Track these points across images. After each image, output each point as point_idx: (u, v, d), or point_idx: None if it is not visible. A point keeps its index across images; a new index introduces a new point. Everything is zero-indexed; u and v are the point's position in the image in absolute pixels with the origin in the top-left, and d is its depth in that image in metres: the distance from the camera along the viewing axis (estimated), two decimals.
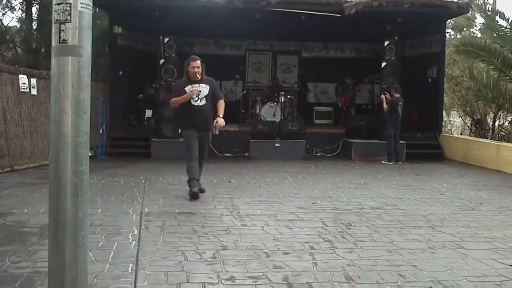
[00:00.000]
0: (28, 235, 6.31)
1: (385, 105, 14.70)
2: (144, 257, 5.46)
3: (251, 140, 15.20)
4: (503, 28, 15.80)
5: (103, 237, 6.19)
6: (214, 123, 8.74)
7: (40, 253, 5.41)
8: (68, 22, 3.46)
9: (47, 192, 3.70)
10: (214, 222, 7.16)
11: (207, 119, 8.86)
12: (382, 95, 14.90)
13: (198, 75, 8.75)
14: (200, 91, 8.75)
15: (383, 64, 15.72)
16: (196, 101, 8.76)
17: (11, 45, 21.85)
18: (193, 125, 8.81)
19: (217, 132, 8.84)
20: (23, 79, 12.20)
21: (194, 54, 19.24)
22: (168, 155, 14.31)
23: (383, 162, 14.52)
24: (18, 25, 22.67)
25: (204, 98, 8.79)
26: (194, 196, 8.71)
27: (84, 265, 3.64)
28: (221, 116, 8.78)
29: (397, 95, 14.70)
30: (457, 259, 5.62)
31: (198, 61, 8.87)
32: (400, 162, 14.52)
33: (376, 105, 17.64)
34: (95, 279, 4.76)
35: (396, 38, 15.68)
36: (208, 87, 8.85)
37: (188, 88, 8.75)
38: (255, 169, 12.69)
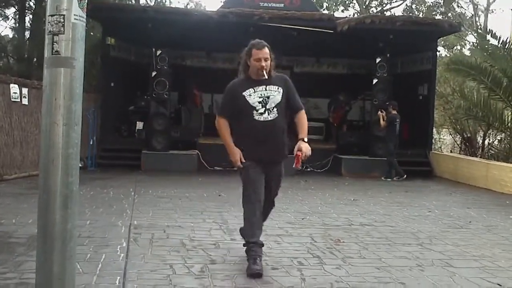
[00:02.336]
0: (16, 246, 6.27)
1: (382, 122, 14.77)
2: (132, 270, 5.44)
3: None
4: (494, 47, 15.90)
5: (91, 249, 6.16)
6: (296, 151, 5.66)
7: (28, 264, 5.37)
8: (61, 34, 3.47)
9: (36, 202, 3.69)
10: (203, 236, 7.15)
11: (279, 141, 5.74)
12: (379, 112, 14.95)
13: (265, 72, 5.63)
14: (268, 97, 5.63)
15: (375, 81, 15.76)
16: (262, 112, 5.58)
17: (3, 54, 21.80)
18: (257, 153, 5.62)
19: (298, 167, 5.83)
20: (14, 88, 12.17)
21: (185, 65, 19.61)
22: (158, 167, 14.34)
23: (383, 178, 14.60)
24: (11, 34, 22.68)
25: (275, 109, 5.62)
26: (254, 275, 5.35)
27: (71, 277, 3.63)
28: (305, 139, 5.73)
29: (395, 112, 14.78)
30: (445, 277, 5.62)
31: (267, 49, 5.67)
32: (389, 179, 14.55)
33: (368, 121, 17.68)
34: None
35: (388, 55, 15.75)
36: (280, 90, 5.68)
37: (248, 94, 5.63)
38: None
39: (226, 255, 6.18)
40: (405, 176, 14.54)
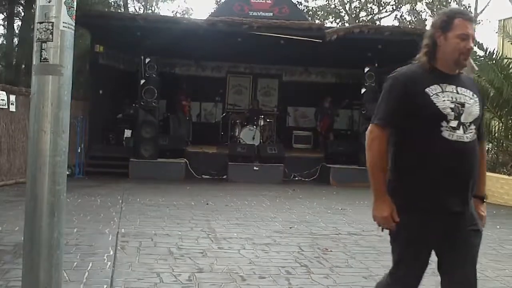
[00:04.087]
0: (2, 253, 6.23)
1: None
2: (119, 278, 5.42)
3: (229, 163, 15.21)
4: (481, 58, 15.99)
5: (78, 257, 6.13)
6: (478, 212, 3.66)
7: (14, 272, 5.34)
8: (49, 41, 3.46)
9: (22, 210, 3.67)
10: (190, 245, 7.13)
11: (474, 180, 3.51)
12: None
13: (470, 62, 3.08)
14: (462, 104, 3.37)
15: (363, 90, 15.82)
16: (454, 127, 3.31)
17: None
18: (438, 196, 3.33)
19: (481, 227, 3.60)
20: (2, 95, 12.12)
21: (174, 73, 19.64)
22: (146, 176, 14.30)
23: None
24: None
25: (472, 126, 3.39)
26: None
27: (58, 285, 3.60)
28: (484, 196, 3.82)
29: None
30: (432, 286, 5.63)
31: (473, 24, 3.50)
32: None
33: (356, 131, 17.72)
34: None
35: (376, 64, 15.81)
36: (477, 99, 3.46)
37: (433, 92, 3.34)
38: (232, 192, 12.67)
39: (213, 263, 6.17)
40: None
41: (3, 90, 12.27)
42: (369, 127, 3.43)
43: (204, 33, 15.00)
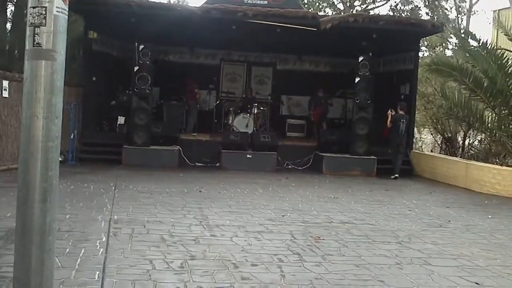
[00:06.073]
0: None
1: (388, 122, 14.98)
2: (111, 264, 5.42)
3: (222, 151, 15.19)
4: (475, 48, 15.99)
5: (71, 243, 6.13)
6: None
7: (6, 257, 5.34)
8: (43, 26, 3.44)
9: (14, 196, 3.66)
10: (183, 232, 7.14)
11: None
12: (389, 112, 15.12)
13: None
14: None
15: (357, 80, 15.79)
16: None
17: None
18: None
19: None
20: None
21: (168, 60, 19.56)
22: (139, 163, 14.28)
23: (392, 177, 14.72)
24: None
25: None
26: None
27: (50, 271, 3.60)
28: None
29: (401, 112, 15.10)
30: (423, 276, 5.66)
31: None
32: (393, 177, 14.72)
33: (349, 120, 17.73)
34: (61, 286, 4.72)
35: (370, 54, 15.78)
36: None
37: None
38: (225, 180, 12.66)
39: (206, 250, 6.18)
40: (393, 177, 14.70)
41: None
42: None
43: (199, 21, 14.94)
